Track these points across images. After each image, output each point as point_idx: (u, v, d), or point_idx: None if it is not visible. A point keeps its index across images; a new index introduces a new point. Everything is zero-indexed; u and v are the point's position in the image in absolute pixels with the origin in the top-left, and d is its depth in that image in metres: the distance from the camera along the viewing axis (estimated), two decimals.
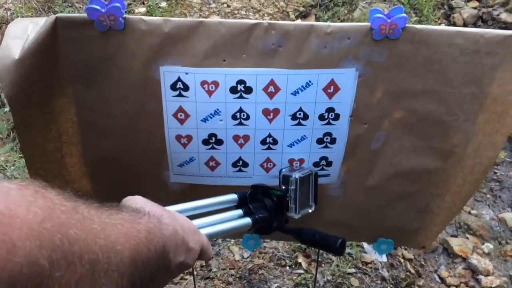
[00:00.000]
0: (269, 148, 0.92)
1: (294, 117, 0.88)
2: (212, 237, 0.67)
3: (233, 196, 0.82)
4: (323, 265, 1.91)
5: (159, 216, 0.49)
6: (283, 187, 0.90)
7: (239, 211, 0.78)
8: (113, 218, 0.41)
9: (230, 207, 0.80)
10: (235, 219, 0.76)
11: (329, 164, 0.95)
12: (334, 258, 1.92)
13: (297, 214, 0.89)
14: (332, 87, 0.85)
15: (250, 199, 0.82)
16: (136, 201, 0.53)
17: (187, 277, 1.85)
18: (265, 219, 0.80)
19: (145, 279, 0.43)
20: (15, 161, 2.04)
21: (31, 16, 2.46)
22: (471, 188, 1.00)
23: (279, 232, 0.83)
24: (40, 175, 0.93)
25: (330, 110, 0.88)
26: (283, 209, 0.86)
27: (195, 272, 1.83)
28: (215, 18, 2.68)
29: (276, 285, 1.85)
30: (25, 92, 0.79)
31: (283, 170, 0.92)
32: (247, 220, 0.77)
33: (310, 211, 0.94)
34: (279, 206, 0.84)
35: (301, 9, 2.83)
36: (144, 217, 0.47)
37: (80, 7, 2.63)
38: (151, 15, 2.53)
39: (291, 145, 0.92)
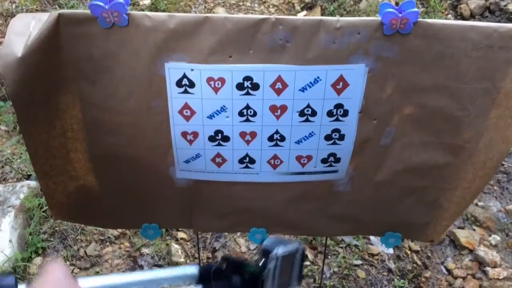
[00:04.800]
0: (276, 144, 0.91)
1: (302, 113, 0.86)
2: None
3: (192, 270, 0.70)
4: (329, 257, 1.91)
5: None
6: (261, 263, 0.72)
7: None
8: None
9: (189, 282, 0.70)
10: None
11: (338, 160, 0.93)
12: (340, 250, 1.91)
13: None
14: (341, 83, 0.83)
15: (214, 275, 0.70)
16: None
17: None
18: None
19: None
20: (21, 153, 2.04)
21: (36, 9, 2.44)
22: (481, 183, 0.99)
23: None
24: (45, 171, 0.92)
25: (338, 106, 0.86)
26: (255, 286, 0.72)
27: (201, 264, 1.83)
28: (220, 10, 2.65)
29: None
30: (28, 90, 0.78)
31: (266, 241, 0.75)
32: None
33: None
34: (251, 285, 0.71)
35: (307, 0, 2.80)
36: None
37: (85, 0, 2.61)
38: (156, 7, 2.51)
39: (298, 142, 0.90)
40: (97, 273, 1.81)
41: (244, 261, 0.73)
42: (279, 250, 0.71)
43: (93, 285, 0.59)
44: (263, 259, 0.71)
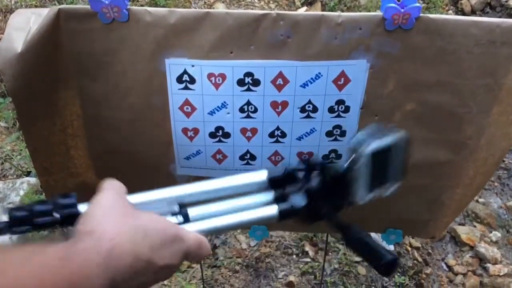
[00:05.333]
0: (277, 141, 0.90)
1: (303, 109, 0.86)
2: (214, 232, 0.56)
3: (262, 176, 0.62)
4: (330, 253, 1.91)
5: (111, 245, 0.41)
6: (346, 164, 0.61)
7: (267, 195, 0.61)
8: (14, 272, 0.35)
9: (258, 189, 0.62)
10: (255, 208, 0.59)
11: (339, 157, 0.93)
12: (341, 246, 1.91)
13: (366, 197, 0.64)
14: (343, 79, 0.83)
15: (287, 179, 0.62)
16: (93, 213, 0.45)
17: (194, 265, 1.85)
18: (302, 209, 0.60)
19: None
20: (21, 150, 2.03)
21: (35, 5, 2.44)
22: (482, 180, 0.98)
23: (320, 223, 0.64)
24: (45, 168, 0.92)
25: (340, 102, 0.86)
26: (340, 192, 0.62)
27: (202, 261, 1.83)
28: (220, 6, 2.64)
29: (283, 273, 1.85)
30: (28, 86, 0.78)
31: (353, 139, 0.62)
32: (272, 210, 0.58)
33: (389, 192, 0.67)
34: (336, 189, 0.61)
35: None
36: (82, 255, 0.39)
37: None
38: (156, 2, 2.50)
39: (300, 138, 0.90)
40: None
41: (326, 162, 0.63)
42: (369, 147, 0.60)
43: (149, 199, 0.54)
44: (350, 158, 0.60)
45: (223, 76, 0.82)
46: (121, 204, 0.48)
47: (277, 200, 0.60)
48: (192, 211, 0.56)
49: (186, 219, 0.55)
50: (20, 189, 1.83)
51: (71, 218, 0.47)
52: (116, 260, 0.41)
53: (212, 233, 0.52)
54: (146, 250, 0.44)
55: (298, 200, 0.60)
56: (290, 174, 0.62)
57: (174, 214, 0.55)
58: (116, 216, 0.45)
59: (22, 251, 0.38)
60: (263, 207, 0.59)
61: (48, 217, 0.47)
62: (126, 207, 0.48)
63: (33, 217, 0.46)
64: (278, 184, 0.62)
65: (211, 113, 0.86)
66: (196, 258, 0.52)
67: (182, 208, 0.56)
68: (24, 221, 0.46)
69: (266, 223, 0.62)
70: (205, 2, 2.67)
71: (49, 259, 0.38)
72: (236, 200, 0.59)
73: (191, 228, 0.53)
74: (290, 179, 0.62)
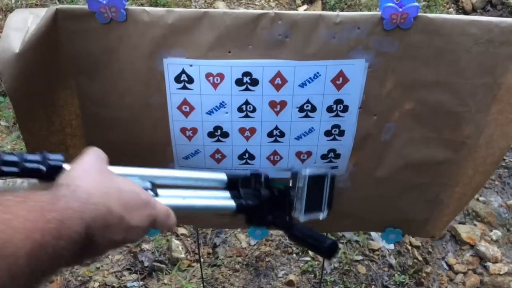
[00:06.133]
0: (276, 140, 0.90)
1: (301, 109, 0.86)
2: (180, 209, 0.61)
3: (222, 177, 0.75)
4: None
5: (87, 195, 0.46)
6: (290, 183, 0.79)
7: (225, 193, 0.71)
8: (16, 208, 0.39)
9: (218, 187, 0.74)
10: (216, 199, 0.69)
11: (338, 156, 0.93)
12: (341, 245, 1.91)
13: (303, 216, 0.78)
14: (341, 79, 0.83)
15: (242, 184, 0.75)
16: (75, 169, 0.50)
17: (194, 264, 1.86)
18: (254, 208, 0.72)
19: (54, 267, 0.41)
20: (21, 149, 2.04)
21: (35, 4, 2.44)
22: (482, 179, 0.98)
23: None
24: None
25: (338, 102, 0.86)
26: (285, 206, 0.76)
27: (202, 260, 1.84)
28: (220, 5, 2.64)
29: (283, 272, 1.85)
30: (26, 86, 0.78)
31: (294, 167, 0.84)
32: (230, 202, 0.69)
33: (320, 217, 0.82)
34: (280, 201, 0.75)
35: None
36: (63, 200, 0.44)
37: None
38: (156, 1, 2.49)
39: (298, 138, 0.90)
40: (97, 269, 1.81)
41: (276, 179, 0.77)
42: (307, 171, 0.76)
43: (125, 172, 0.59)
44: (292, 180, 0.77)
45: (221, 76, 0.82)
46: (101, 166, 0.52)
47: (234, 198, 0.71)
48: (161, 191, 0.61)
49: (156, 195, 0.60)
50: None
51: (55, 172, 0.50)
52: (91, 209, 0.45)
53: (177, 210, 0.57)
54: (119, 207, 0.49)
55: (252, 200, 0.72)
56: (244, 180, 0.75)
57: (146, 189, 0.59)
58: (94, 174, 0.50)
59: (17, 194, 0.41)
60: (223, 199, 0.70)
61: (36, 164, 0.50)
62: (105, 170, 0.53)
63: (22, 162, 0.50)
64: (234, 187, 0.73)
65: (210, 112, 0.86)
66: (162, 227, 0.56)
67: (153, 185, 0.61)
68: (13, 164, 0.49)
69: (224, 213, 0.71)
70: (205, 1, 2.67)
71: (40, 199, 0.42)
72: (200, 191, 0.68)
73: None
74: (244, 185, 0.74)
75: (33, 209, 0.40)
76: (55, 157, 0.51)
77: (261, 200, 0.73)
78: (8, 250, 0.36)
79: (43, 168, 0.50)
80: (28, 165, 0.50)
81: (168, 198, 0.60)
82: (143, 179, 0.61)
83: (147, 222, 0.53)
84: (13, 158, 0.49)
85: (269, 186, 0.76)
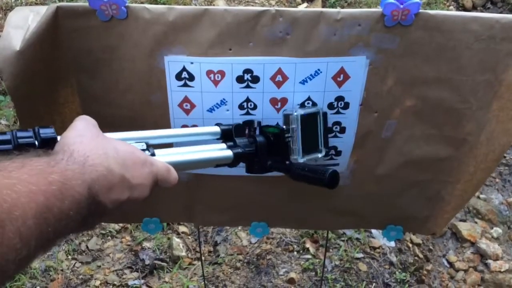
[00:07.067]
0: None
1: (302, 106, 0.86)
2: (179, 165, 0.61)
3: (215, 129, 0.75)
4: (331, 250, 1.91)
5: (84, 157, 0.46)
6: (284, 126, 0.80)
7: (221, 144, 0.72)
8: (17, 173, 0.39)
9: (213, 140, 0.75)
10: (213, 151, 0.70)
11: (339, 153, 0.93)
12: (342, 243, 1.91)
13: (302, 157, 0.80)
14: (342, 76, 0.83)
15: (236, 133, 0.76)
16: (67, 135, 0.50)
17: (195, 262, 1.86)
18: (252, 155, 0.73)
19: (63, 229, 0.42)
20: None
21: (35, 2, 2.43)
22: (483, 176, 0.98)
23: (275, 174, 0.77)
24: None
25: (339, 99, 0.85)
26: (282, 149, 0.78)
27: (203, 258, 1.84)
28: (220, 2, 2.63)
29: (284, 270, 1.86)
30: (26, 84, 0.78)
31: (286, 109, 0.83)
32: (228, 152, 0.70)
33: (319, 155, 0.84)
34: (275, 145, 0.76)
35: None
36: (62, 163, 0.44)
37: None
38: None
39: None
40: (98, 267, 1.81)
41: (268, 125, 0.78)
42: (299, 111, 0.78)
43: (119, 137, 0.60)
44: (285, 122, 0.79)
45: (222, 73, 0.82)
46: (94, 130, 0.53)
47: (230, 148, 0.72)
48: (158, 151, 0.62)
49: (153, 155, 0.60)
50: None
51: (48, 144, 0.51)
52: (90, 170, 0.46)
53: (176, 167, 0.57)
54: (118, 167, 0.49)
55: (248, 148, 0.73)
56: (238, 128, 0.76)
57: (142, 150, 0.60)
58: (89, 138, 0.50)
59: (14, 160, 0.41)
60: (220, 150, 0.71)
61: (28, 139, 0.50)
62: (99, 133, 0.53)
63: (15, 138, 0.50)
64: (229, 137, 0.75)
65: (211, 110, 0.86)
66: (165, 183, 0.56)
67: (149, 146, 0.62)
68: (6, 142, 0.49)
69: (223, 163, 0.71)
70: None
71: (39, 163, 0.42)
72: (196, 146, 0.69)
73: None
74: (238, 134, 0.76)
75: (33, 172, 0.40)
76: (46, 130, 0.52)
77: (257, 147, 0.74)
78: (16, 214, 0.36)
79: (36, 142, 0.51)
80: (21, 141, 0.50)
81: (166, 156, 0.61)
82: (137, 141, 0.62)
83: (149, 179, 0.53)
84: (6, 137, 0.49)
85: (263, 132, 0.77)
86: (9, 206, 0.36)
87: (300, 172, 0.72)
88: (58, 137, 0.52)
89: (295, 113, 0.78)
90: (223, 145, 0.72)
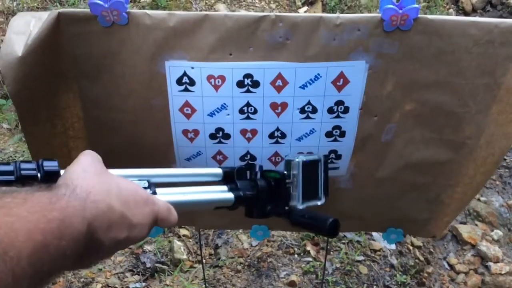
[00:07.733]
0: (277, 142, 0.91)
1: (302, 110, 0.86)
2: (180, 205, 0.61)
3: (217, 170, 0.75)
4: (331, 252, 1.92)
5: (87, 193, 0.46)
6: (285, 172, 0.79)
7: (222, 186, 0.72)
8: (18, 209, 0.39)
9: (214, 182, 0.75)
10: (215, 192, 0.70)
11: (339, 157, 0.93)
12: (342, 246, 1.92)
13: (301, 204, 0.79)
14: (342, 80, 0.83)
15: (237, 175, 0.75)
16: (72, 170, 0.50)
17: (196, 265, 1.86)
18: (253, 198, 0.72)
19: (58, 268, 0.41)
20: (23, 151, 2.04)
21: (37, 7, 2.44)
22: (482, 179, 0.98)
23: (276, 219, 0.76)
24: None
25: (339, 103, 0.86)
26: (282, 194, 0.76)
27: (203, 261, 1.84)
28: (220, 6, 2.64)
29: (285, 272, 1.86)
30: (28, 88, 0.78)
31: (288, 155, 0.82)
32: (229, 195, 0.70)
33: (318, 203, 0.83)
34: (276, 190, 0.75)
35: None
36: (63, 199, 0.43)
37: None
38: (157, 3, 2.50)
39: (299, 139, 0.90)
40: (100, 270, 1.82)
41: (270, 170, 0.77)
42: (300, 158, 0.77)
43: (121, 174, 0.59)
44: (287, 168, 0.78)
45: (222, 78, 0.82)
46: (98, 166, 0.52)
47: (231, 190, 0.71)
48: (160, 190, 0.61)
49: (154, 193, 0.60)
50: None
51: (51, 178, 0.50)
52: (91, 207, 0.45)
53: (176, 207, 0.58)
54: (119, 205, 0.48)
55: (249, 191, 0.72)
56: (240, 171, 0.75)
57: (143, 188, 0.60)
58: (92, 173, 0.50)
59: (16, 195, 0.41)
60: (221, 192, 0.70)
61: (31, 171, 0.50)
62: (103, 169, 0.52)
63: (18, 170, 0.49)
64: (231, 180, 0.74)
65: (211, 114, 0.87)
66: (165, 223, 0.56)
67: (151, 184, 0.61)
68: (9, 173, 0.49)
69: (223, 205, 0.71)
70: (206, 3, 2.67)
71: (41, 200, 0.42)
72: (197, 187, 0.68)
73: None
74: (240, 177, 0.75)
75: (33, 210, 0.40)
76: (50, 163, 0.51)
77: (258, 191, 0.73)
78: (11, 254, 0.36)
79: (39, 174, 0.50)
80: (24, 172, 0.50)
81: (167, 195, 0.61)
82: (139, 179, 0.61)
83: (149, 219, 0.53)
84: (9, 168, 0.49)
85: (264, 176, 0.76)
86: (5, 246, 0.36)
87: (300, 219, 0.71)
88: (62, 171, 0.52)
89: (297, 159, 0.77)
90: (224, 187, 0.72)
